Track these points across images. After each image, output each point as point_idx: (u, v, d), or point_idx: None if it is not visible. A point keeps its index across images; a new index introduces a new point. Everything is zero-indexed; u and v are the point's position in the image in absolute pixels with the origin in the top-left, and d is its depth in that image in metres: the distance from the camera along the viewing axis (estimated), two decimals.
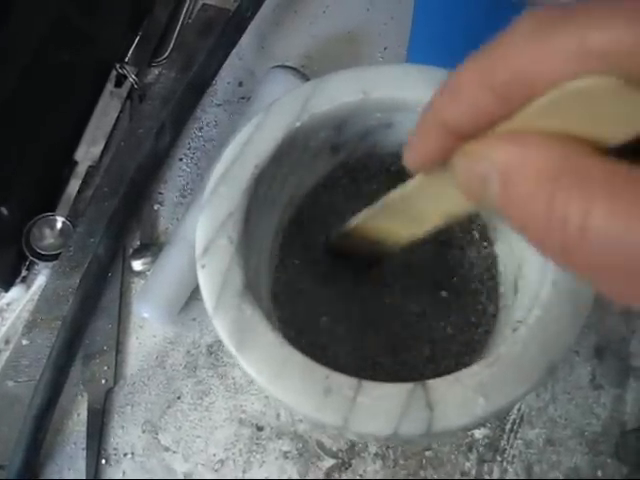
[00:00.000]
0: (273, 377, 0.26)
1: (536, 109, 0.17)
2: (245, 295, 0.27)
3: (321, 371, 0.26)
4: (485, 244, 0.34)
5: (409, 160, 0.22)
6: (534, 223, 0.16)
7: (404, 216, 0.27)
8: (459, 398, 0.25)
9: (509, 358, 0.26)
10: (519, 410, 0.38)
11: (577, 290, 0.27)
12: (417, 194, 0.25)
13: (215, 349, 0.41)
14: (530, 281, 0.30)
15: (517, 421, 0.38)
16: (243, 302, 0.27)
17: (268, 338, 0.26)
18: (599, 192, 0.15)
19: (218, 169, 0.29)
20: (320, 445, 0.39)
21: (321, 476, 0.38)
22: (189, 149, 0.47)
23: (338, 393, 0.25)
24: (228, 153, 0.29)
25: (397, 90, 0.31)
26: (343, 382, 0.25)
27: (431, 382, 0.25)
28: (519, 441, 0.38)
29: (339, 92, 0.31)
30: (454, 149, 0.19)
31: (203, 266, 0.27)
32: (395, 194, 0.26)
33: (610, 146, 0.16)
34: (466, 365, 0.26)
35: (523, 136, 0.17)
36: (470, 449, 0.38)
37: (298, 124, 0.30)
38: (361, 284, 0.34)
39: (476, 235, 0.34)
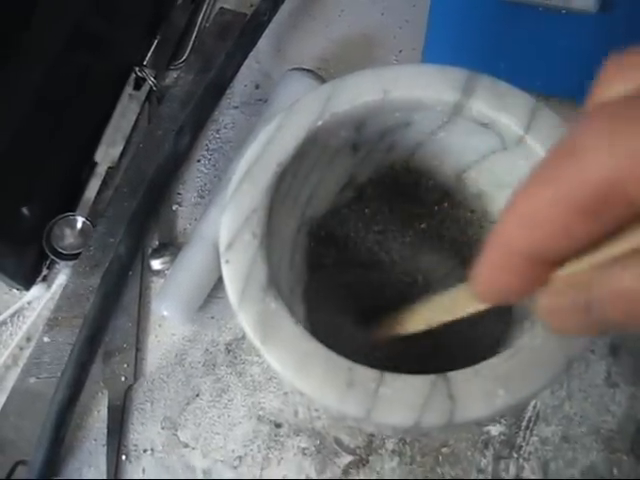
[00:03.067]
0: (296, 369, 0.26)
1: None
2: (269, 289, 0.27)
3: (344, 363, 0.26)
4: None
5: (481, 289, 0.19)
6: None
7: (435, 309, 0.28)
8: (480, 389, 0.25)
9: (528, 351, 0.26)
10: (535, 407, 0.39)
11: None
12: (452, 303, 0.26)
13: (233, 347, 0.42)
14: None
15: (533, 418, 0.39)
16: (267, 296, 0.27)
17: (292, 331, 0.27)
18: None
19: (241, 167, 0.30)
20: (338, 442, 0.39)
21: (339, 473, 0.39)
22: (207, 150, 0.47)
23: (360, 385, 0.26)
24: (251, 151, 0.30)
25: (416, 89, 0.31)
26: (366, 374, 0.26)
27: (452, 374, 0.26)
28: (535, 438, 0.38)
29: (359, 91, 0.31)
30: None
31: (227, 261, 0.28)
32: (432, 300, 0.28)
33: None
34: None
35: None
36: (486, 446, 0.38)
37: (319, 123, 0.31)
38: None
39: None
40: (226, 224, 0.29)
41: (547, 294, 0.17)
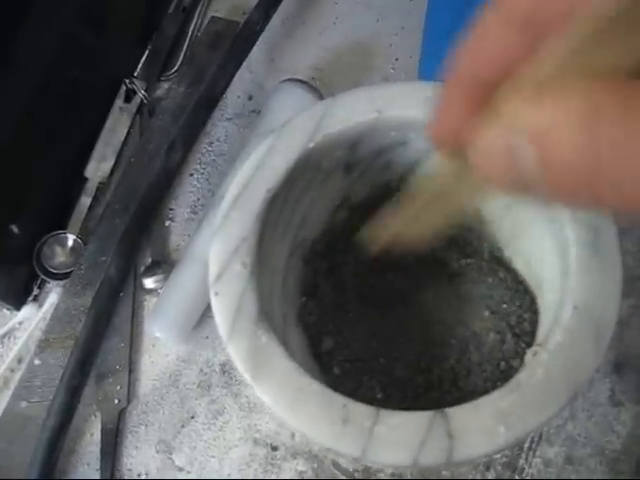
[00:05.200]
0: (289, 406, 0.25)
1: (561, 46, 0.15)
2: (260, 321, 0.26)
3: (338, 400, 0.25)
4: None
5: (435, 131, 0.20)
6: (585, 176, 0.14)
7: (432, 212, 0.25)
8: (479, 426, 0.24)
9: (530, 385, 0.25)
10: None
11: (599, 313, 0.26)
12: (443, 186, 0.23)
13: (228, 368, 0.41)
14: (549, 301, 0.30)
15: (535, 439, 0.38)
16: (258, 329, 0.26)
17: (284, 366, 0.26)
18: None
19: (230, 193, 0.29)
20: (336, 465, 0.38)
21: None
22: (200, 164, 0.46)
23: (356, 423, 0.25)
24: (240, 177, 0.29)
25: (411, 108, 0.30)
26: (361, 411, 0.25)
27: (451, 410, 0.25)
28: (538, 459, 0.38)
29: (353, 111, 0.30)
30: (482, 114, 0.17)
31: (217, 293, 0.27)
32: (418, 189, 0.25)
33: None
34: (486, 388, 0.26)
35: (547, 93, 0.15)
36: (488, 468, 0.38)
37: (312, 144, 0.30)
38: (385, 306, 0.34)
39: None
40: (215, 254, 0.28)
41: (481, 131, 0.17)
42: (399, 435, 0.24)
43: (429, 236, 0.28)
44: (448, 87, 0.19)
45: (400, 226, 0.28)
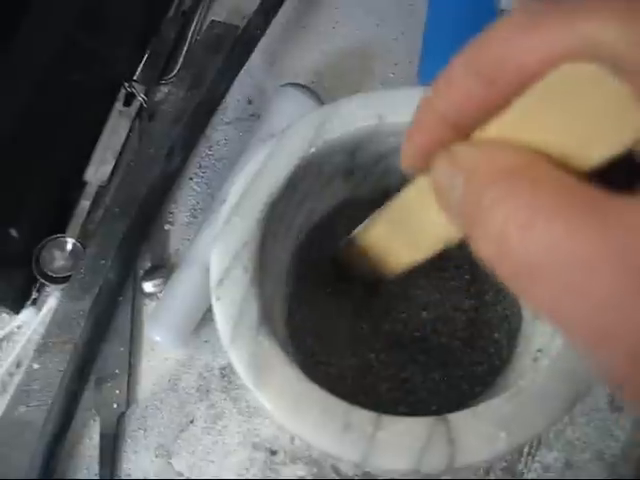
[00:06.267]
0: (291, 412, 0.25)
1: (520, 106, 0.17)
2: (261, 327, 0.26)
3: (340, 406, 0.25)
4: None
5: (405, 154, 0.21)
6: (479, 222, 0.16)
7: (404, 230, 0.26)
8: (480, 433, 0.24)
9: (531, 391, 0.25)
10: None
11: None
12: (414, 201, 0.24)
13: (228, 372, 0.41)
14: None
15: (534, 444, 0.38)
16: (259, 334, 0.26)
17: (286, 372, 0.26)
18: (545, 200, 0.15)
19: (231, 198, 0.29)
20: (335, 470, 0.38)
21: None
22: (199, 168, 0.46)
23: (357, 429, 0.25)
24: (241, 182, 0.29)
25: (411, 114, 0.30)
26: (362, 417, 0.25)
27: (452, 416, 0.25)
28: (537, 464, 0.38)
29: (353, 117, 0.30)
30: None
31: (218, 298, 0.27)
32: (395, 200, 0.26)
33: (591, 166, 0.16)
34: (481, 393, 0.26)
35: (496, 142, 0.17)
36: (487, 473, 0.38)
37: (312, 150, 0.30)
38: (370, 309, 0.34)
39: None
40: (216, 259, 0.28)
41: (439, 160, 0.19)
42: (401, 441, 0.24)
43: (400, 263, 0.28)
44: (421, 112, 0.20)
45: (369, 240, 0.29)
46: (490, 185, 0.16)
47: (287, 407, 0.25)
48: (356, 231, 0.30)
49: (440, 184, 0.19)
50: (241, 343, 0.26)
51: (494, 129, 0.18)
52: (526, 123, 0.17)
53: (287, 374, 0.26)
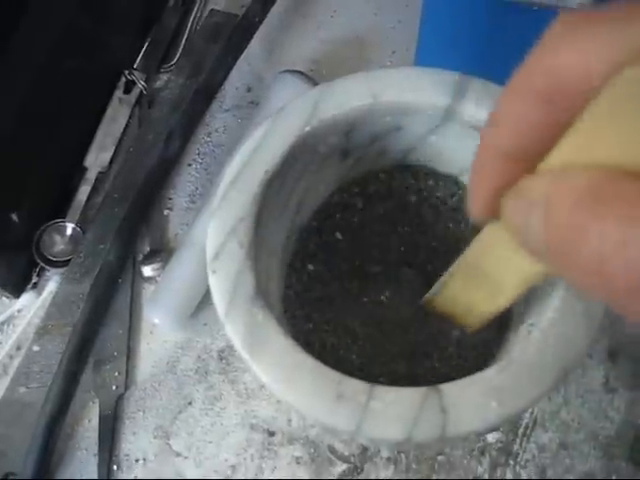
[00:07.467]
0: (285, 382, 0.26)
1: (584, 123, 0.16)
2: (257, 300, 0.27)
3: (333, 376, 0.25)
4: None
5: (474, 206, 0.20)
6: (569, 251, 0.15)
7: (483, 281, 0.26)
8: (472, 403, 0.25)
9: (522, 362, 0.25)
10: (532, 414, 0.38)
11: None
12: (488, 249, 0.24)
13: (226, 354, 0.41)
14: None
15: (530, 425, 0.38)
16: (254, 307, 0.27)
17: (280, 343, 0.26)
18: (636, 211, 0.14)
19: (228, 175, 0.29)
20: (332, 450, 0.38)
21: None
22: (198, 154, 0.47)
23: (350, 398, 0.25)
24: (238, 159, 0.29)
25: (406, 93, 0.30)
26: (355, 387, 0.25)
27: (444, 386, 0.25)
28: (532, 445, 0.38)
29: (348, 96, 0.30)
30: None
31: (214, 271, 0.27)
32: (467, 253, 0.26)
33: None
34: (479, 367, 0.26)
35: (562, 167, 0.16)
36: (483, 453, 0.38)
37: (308, 129, 0.30)
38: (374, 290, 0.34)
39: None
40: (213, 233, 0.28)
41: (509, 198, 0.18)
42: (393, 410, 0.25)
43: (484, 312, 0.28)
44: (480, 158, 0.19)
45: (447, 301, 0.29)
46: (571, 210, 0.15)
47: (282, 377, 0.26)
48: (431, 293, 0.30)
49: (517, 225, 0.18)
50: (236, 315, 0.27)
51: (559, 154, 0.17)
52: (593, 140, 0.16)
53: (282, 345, 0.26)
